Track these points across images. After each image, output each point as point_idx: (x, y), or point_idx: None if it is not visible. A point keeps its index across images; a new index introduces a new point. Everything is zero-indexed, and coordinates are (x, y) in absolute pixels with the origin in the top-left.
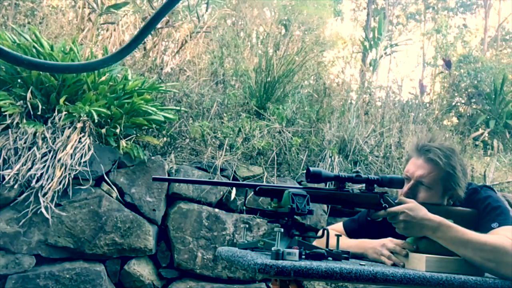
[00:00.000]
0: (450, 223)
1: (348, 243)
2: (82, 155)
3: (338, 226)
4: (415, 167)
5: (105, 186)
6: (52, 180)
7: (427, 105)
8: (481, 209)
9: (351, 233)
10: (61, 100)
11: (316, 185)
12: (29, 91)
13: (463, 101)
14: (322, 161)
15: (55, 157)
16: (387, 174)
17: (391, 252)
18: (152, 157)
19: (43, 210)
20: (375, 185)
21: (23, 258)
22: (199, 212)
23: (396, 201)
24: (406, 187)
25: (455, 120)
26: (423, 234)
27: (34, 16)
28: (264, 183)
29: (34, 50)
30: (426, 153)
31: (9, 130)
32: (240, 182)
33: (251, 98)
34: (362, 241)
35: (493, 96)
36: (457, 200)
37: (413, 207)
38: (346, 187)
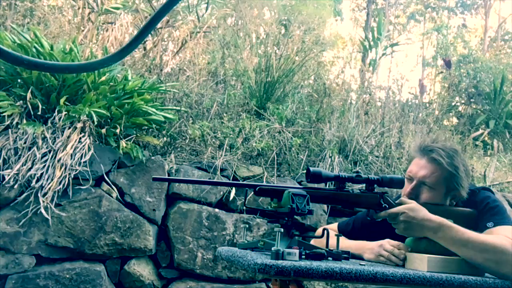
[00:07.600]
0: (451, 224)
1: (347, 244)
2: (82, 155)
3: (334, 226)
4: (418, 167)
5: (105, 186)
6: (52, 180)
7: (427, 105)
8: (479, 209)
9: (344, 235)
10: (61, 100)
11: (316, 185)
12: (29, 91)
13: (463, 101)
14: (322, 161)
15: (55, 157)
16: (388, 174)
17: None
18: (152, 157)
19: (43, 210)
20: (376, 185)
21: (23, 258)
22: (199, 212)
23: (396, 202)
24: (409, 187)
25: (455, 120)
26: (424, 234)
27: (33, 16)
28: (264, 183)
29: (34, 50)
30: (429, 153)
31: (9, 130)
32: (240, 182)
33: (251, 98)
34: (360, 242)
35: (493, 96)
36: (459, 201)
37: (414, 208)
38: (346, 187)
